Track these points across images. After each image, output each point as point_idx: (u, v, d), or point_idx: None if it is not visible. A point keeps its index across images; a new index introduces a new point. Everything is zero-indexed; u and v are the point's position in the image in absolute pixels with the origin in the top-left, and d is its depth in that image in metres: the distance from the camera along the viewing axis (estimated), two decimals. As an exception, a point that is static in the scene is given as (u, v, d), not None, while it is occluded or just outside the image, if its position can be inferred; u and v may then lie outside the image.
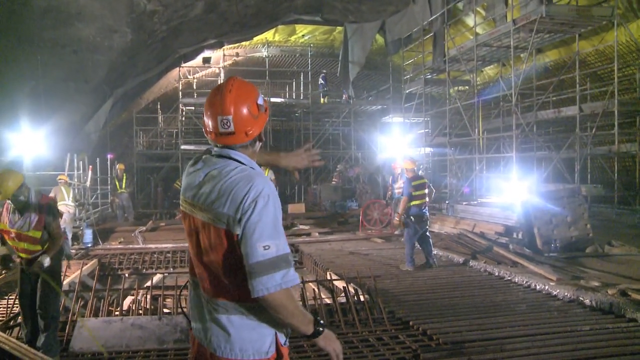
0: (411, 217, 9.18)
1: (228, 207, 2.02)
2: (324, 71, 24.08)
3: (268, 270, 1.97)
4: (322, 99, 23.09)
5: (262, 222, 1.99)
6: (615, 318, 6.09)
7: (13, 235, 5.04)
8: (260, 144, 2.31)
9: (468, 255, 9.91)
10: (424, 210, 9.24)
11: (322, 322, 2.09)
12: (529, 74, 15.37)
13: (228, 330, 2.12)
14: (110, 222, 16.67)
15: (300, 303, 6.43)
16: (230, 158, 2.16)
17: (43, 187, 11.82)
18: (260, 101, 2.21)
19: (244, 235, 1.99)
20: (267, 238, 1.98)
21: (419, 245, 9.43)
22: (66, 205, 11.66)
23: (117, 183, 17.23)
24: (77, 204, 12.00)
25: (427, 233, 9.41)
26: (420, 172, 14.42)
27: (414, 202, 9.17)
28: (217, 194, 2.07)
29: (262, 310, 2.06)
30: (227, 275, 2.08)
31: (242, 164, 2.15)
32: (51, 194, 11.39)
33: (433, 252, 9.41)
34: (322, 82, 22.80)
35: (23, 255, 5.13)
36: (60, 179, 12.42)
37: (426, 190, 9.34)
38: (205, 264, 2.16)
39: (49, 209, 5.12)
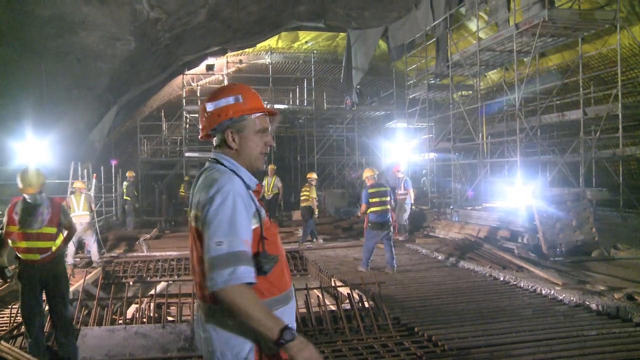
0: (369, 224, 9.70)
1: (196, 205, 2.13)
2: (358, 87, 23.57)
3: (219, 267, 1.98)
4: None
5: (217, 219, 2.03)
6: (622, 322, 6.05)
7: (26, 235, 5.06)
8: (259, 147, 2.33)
9: (473, 260, 9.88)
10: (383, 218, 9.62)
11: (293, 331, 2.00)
12: (533, 81, 15.35)
13: (211, 333, 2.16)
14: (115, 229, 16.66)
15: (305, 310, 6.41)
16: (217, 161, 2.26)
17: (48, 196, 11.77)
18: (220, 101, 2.27)
19: (203, 231, 2.06)
20: (221, 234, 2.01)
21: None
22: (77, 216, 11.15)
23: (134, 190, 17.26)
24: (90, 213, 11.55)
25: (389, 239, 9.68)
26: (422, 178, 14.44)
27: (372, 209, 9.60)
28: (196, 196, 2.18)
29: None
30: (202, 275, 2.11)
31: (224, 165, 2.23)
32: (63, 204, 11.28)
33: (394, 260, 9.62)
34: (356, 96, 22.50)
35: (32, 257, 5.11)
36: (74, 187, 11.89)
37: (387, 198, 9.70)
38: (194, 268, 2.23)
39: (61, 208, 5.35)
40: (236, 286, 1.97)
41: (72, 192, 11.70)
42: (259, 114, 2.29)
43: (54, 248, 5.20)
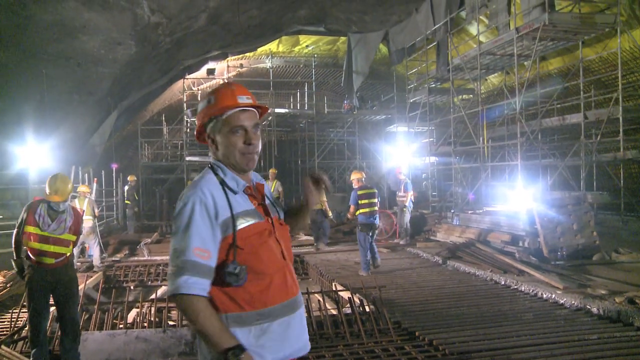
0: (359, 225, 9.94)
1: None
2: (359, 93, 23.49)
3: (171, 275, 1.96)
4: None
5: (175, 226, 2.05)
6: (624, 327, 6.05)
7: (44, 238, 5.05)
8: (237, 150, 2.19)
9: (474, 264, 9.88)
10: (371, 219, 9.86)
11: (238, 352, 1.90)
12: (534, 85, 15.37)
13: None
14: (116, 234, 16.66)
15: (306, 314, 6.39)
16: (210, 165, 2.25)
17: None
18: (199, 106, 2.28)
19: None
20: (175, 242, 2.01)
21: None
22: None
23: (135, 194, 17.23)
24: (93, 217, 11.48)
25: (373, 242, 9.95)
26: (424, 183, 14.38)
27: (361, 211, 9.86)
28: None
29: None
30: None
31: (212, 169, 2.22)
32: None
33: (377, 259, 9.98)
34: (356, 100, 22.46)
35: (47, 260, 5.08)
36: (78, 191, 11.83)
37: (375, 200, 9.95)
38: None
39: (81, 218, 5.42)
40: (185, 296, 1.92)
41: (75, 197, 11.66)
42: (230, 112, 2.15)
43: (68, 254, 5.21)
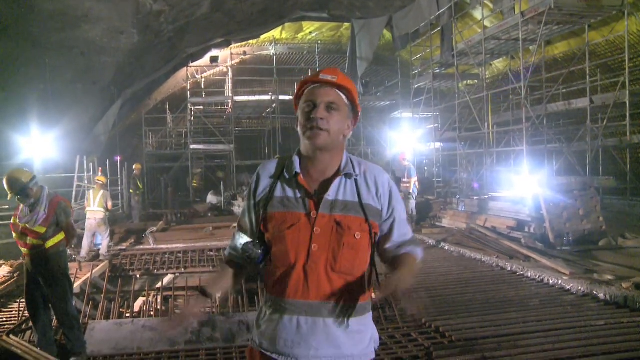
0: None
1: None
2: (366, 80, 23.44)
3: None
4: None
5: None
6: (630, 312, 6.01)
7: (20, 229, 5.15)
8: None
9: (480, 250, 9.87)
10: None
11: (203, 292, 2.22)
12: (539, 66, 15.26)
13: None
14: (121, 222, 16.69)
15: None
16: None
17: (54, 190, 11.76)
18: None
19: None
20: None
21: None
22: (91, 211, 11.11)
23: (138, 183, 17.26)
24: (105, 211, 11.38)
25: None
26: (425, 168, 14.17)
27: None
28: None
29: None
30: None
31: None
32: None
33: None
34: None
35: (24, 250, 5.20)
36: (96, 180, 11.82)
37: None
38: None
39: (59, 208, 5.26)
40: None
41: (90, 188, 11.67)
42: (307, 88, 2.08)
43: (44, 244, 5.15)
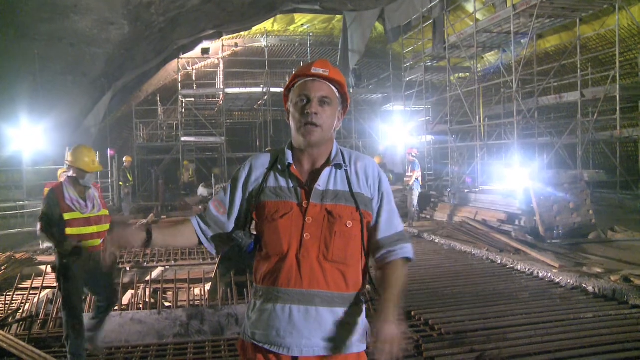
0: None
1: None
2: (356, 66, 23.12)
3: None
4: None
5: None
6: (619, 305, 6.05)
7: (87, 220, 4.68)
8: None
9: (470, 243, 9.88)
10: None
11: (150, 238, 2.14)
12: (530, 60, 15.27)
13: None
14: (111, 215, 16.57)
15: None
16: None
17: (43, 182, 11.70)
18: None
19: None
20: None
21: None
22: None
23: (128, 175, 17.14)
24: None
25: None
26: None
27: None
28: None
29: None
30: None
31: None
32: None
33: None
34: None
35: (91, 242, 4.69)
36: None
37: None
38: None
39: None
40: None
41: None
42: (299, 81, 2.07)
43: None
